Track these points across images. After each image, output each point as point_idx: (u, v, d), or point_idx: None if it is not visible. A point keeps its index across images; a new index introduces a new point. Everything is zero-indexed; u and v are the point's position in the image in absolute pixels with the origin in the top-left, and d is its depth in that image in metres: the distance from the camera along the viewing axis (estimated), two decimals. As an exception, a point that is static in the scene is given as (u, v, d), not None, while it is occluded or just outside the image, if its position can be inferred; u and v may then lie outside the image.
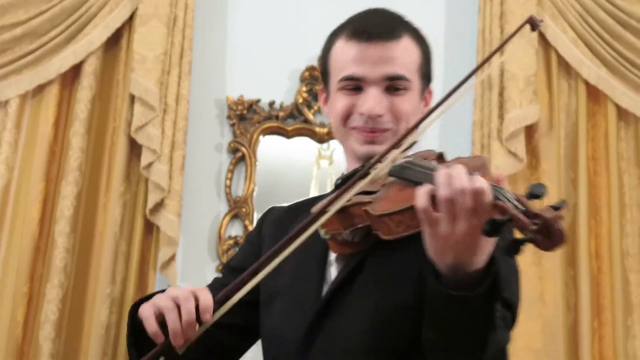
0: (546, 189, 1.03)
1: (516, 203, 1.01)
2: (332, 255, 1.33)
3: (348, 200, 1.20)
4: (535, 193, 1.02)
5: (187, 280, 3.12)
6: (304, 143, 3.30)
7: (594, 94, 3.27)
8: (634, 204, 3.20)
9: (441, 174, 1.04)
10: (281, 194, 3.23)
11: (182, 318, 1.12)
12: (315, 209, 1.23)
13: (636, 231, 3.17)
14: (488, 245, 1.05)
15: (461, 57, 3.31)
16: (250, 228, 3.16)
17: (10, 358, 2.92)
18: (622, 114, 3.25)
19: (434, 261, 1.08)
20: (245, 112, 3.25)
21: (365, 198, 1.22)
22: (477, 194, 1.00)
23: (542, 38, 3.23)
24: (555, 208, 0.99)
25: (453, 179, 1.02)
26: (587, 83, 3.23)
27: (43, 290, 2.99)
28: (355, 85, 1.33)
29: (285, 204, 1.57)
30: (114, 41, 3.21)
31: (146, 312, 1.16)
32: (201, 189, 3.25)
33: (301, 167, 3.33)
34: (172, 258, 3.02)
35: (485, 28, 3.21)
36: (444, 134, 3.29)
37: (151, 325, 1.14)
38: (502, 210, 1.01)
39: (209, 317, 1.14)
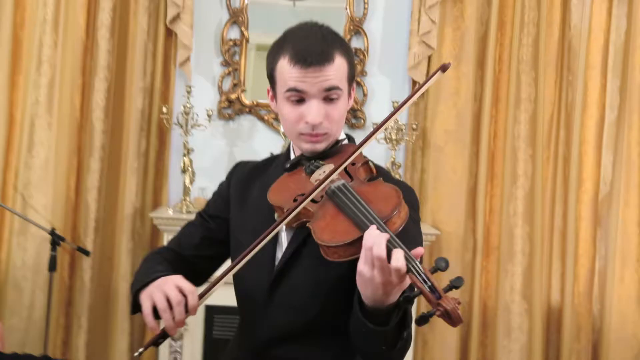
0: (448, 264, 1.10)
1: (424, 277, 1.09)
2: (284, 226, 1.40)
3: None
4: (439, 267, 1.10)
5: (199, 73, 3.54)
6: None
7: None
8: (531, 25, 3.57)
9: (367, 238, 1.15)
10: (268, 3, 3.63)
11: (175, 318, 1.28)
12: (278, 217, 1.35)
13: (531, 42, 3.57)
14: (397, 295, 1.17)
15: None
16: (246, 34, 3.53)
17: (73, 134, 3.37)
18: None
19: (360, 291, 1.19)
20: (239, -59, 3.47)
21: (310, 207, 1.32)
22: (394, 270, 1.11)
23: None
24: (455, 286, 1.09)
25: (375, 249, 1.13)
26: None
27: (92, 82, 3.38)
28: (299, 96, 1.40)
29: (250, 163, 1.64)
30: None
31: (146, 308, 1.31)
32: (208, 3, 3.56)
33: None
34: (187, 58, 3.41)
35: None
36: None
37: (150, 322, 1.30)
38: (412, 280, 1.11)
39: (194, 313, 1.31)
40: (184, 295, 1.29)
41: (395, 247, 1.14)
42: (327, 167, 1.40)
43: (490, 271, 3.67)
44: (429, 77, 1.43)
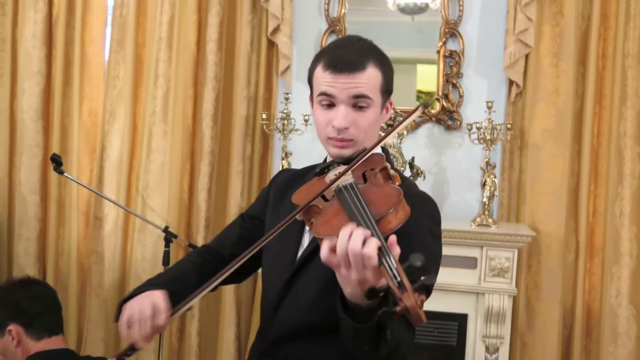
0: (423, 262, 1.03)
1: (395, 272, 1.05)
2: (307, 227, 1.45)
3: (313, 199, 1.33)
4: (412, 263, 1.04)
5: (300, 80, 3.60)
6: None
7: None
8: (637, 18, 3.27)
9: (344, 231, 1.11)
10: (367, 12, 3.64)
11: (140, 332, 1.33)
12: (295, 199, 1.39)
13: (637, 36, 3.29)
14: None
15: None
16: None
17: (186, 140, 3.54)
18: None
19: (341, 287, 1.16)
20: (337, -46, 3.51)
21: (320, 204, 1.33)
22: (365, 257, 1.07)
23: None
24: (425, 285, 1.02)
25: (351, 240, 1.09)
26: None
27: (202, 92, 3.56)
28: (329, 101, 1.41)
29: (293, 170, 1.68)
30: None
31: (122, 318, 1.37)
32: (306, 14, 3.63)
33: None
34: (288, 67, 3.51)
35: None
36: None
37: (122, 332, 1.37)
38: (383, 275, 1.07)
39: (160, 331, 1.36)
40: (155, 313, 1.34)
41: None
42: (342, 168, 1.40)
43: (595, 273, 3.44)
44: (414, 110, 1.47)
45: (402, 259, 1.08)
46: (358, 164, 1.38)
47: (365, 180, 1.37)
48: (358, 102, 1.41)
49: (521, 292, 3.42)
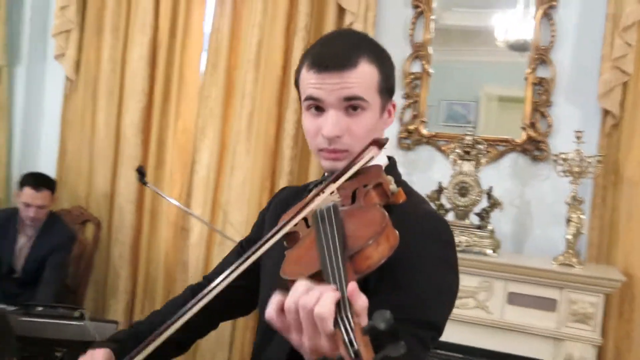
0: (390, 324, 0.72)
1: (352, 338, 0.75)
2: None
3: (296, 225, 1.08)
4: (376, 325, 0.73)
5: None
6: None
7: None
8: None
9: (298, 284, 0.84)
10: (452, 38, 3.49)
11: None
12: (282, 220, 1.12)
13: None
14: None
15: None
16: (427, 67, 3.42)
17: (267, 159, 3.52)
18: None
19: None
20: (424, -22, 3.39)
21: (302, 231, 1.08)
22: (317, 318, 0.79)
23: None
24: (389, 357, 0.71)
25: (304, 296, 0.82)
26: None
27: (284, 113, 3.55)
28: (317, 105, 1.19)
29: (294, 187, 1.47)
30: None
31: None
32: (389, 38, 3.48)
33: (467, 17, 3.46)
34: (370, 91, 3.47)
35: None
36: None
37: None
38: (337, 341, 0.78)
39: None
40: None
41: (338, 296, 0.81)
42: (322, 187, 1.13)
43: (698, 329, 2.99)
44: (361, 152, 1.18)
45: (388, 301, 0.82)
46: (341, 180, 1.12)
47: (353, 200, 1.10)
48: (351, 105, 1.18)
49: (610, 341, 3.05)
